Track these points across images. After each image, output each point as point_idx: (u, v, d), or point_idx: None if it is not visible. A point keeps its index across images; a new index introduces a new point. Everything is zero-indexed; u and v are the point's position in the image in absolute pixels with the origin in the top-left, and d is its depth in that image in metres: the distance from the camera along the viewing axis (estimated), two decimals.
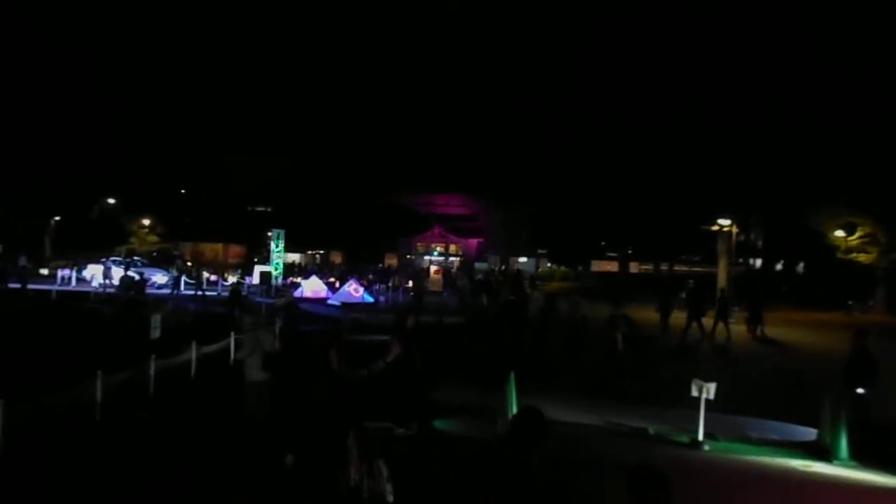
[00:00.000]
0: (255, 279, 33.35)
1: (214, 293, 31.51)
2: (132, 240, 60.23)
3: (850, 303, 36.10)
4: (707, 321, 23.81)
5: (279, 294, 30.21)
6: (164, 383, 13.24)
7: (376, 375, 9.58)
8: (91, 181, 57.98)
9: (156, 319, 18.46)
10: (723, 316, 23.95)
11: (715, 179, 42.82)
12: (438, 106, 70.34)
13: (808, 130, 36.90)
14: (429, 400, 11.18)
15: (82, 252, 44.44)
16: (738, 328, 28.40)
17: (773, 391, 15.37)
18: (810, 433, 11.06)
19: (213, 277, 34.92)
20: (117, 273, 31.76)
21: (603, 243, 68.61)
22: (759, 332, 25.57)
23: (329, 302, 29.17)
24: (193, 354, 15.14)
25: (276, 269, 33.16)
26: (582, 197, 56.68)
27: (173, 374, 14.49)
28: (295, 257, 69.60)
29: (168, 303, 23.89)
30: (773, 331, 27.78)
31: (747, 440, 10.79)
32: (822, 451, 10.20)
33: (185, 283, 32.49)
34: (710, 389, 10.16)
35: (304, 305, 28.41)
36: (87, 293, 27.86)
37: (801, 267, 69.09)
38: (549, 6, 57.00)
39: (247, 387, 10.36)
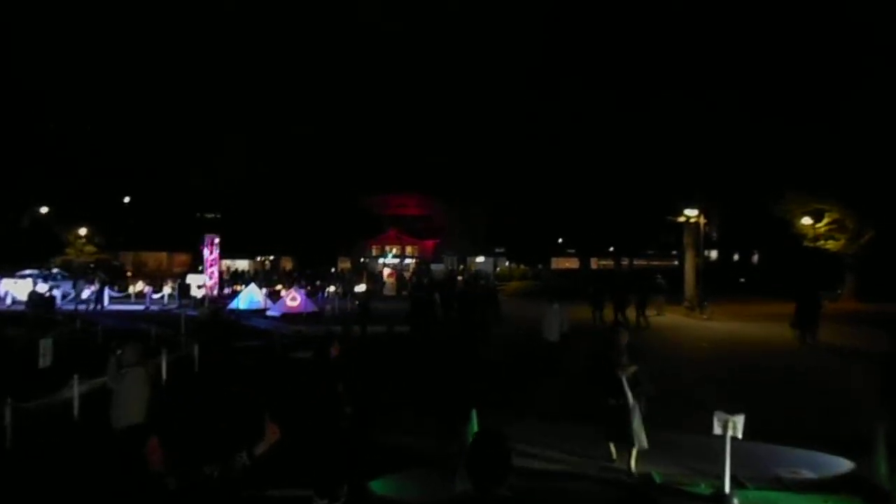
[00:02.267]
0: (192, 289, 29.96)
1: (141, 307, 28.04)
2: (68, 251, 56.02)
3: (818, 292, 34.30)
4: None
5: (208, 306, 26.86)
6: (33, 429, 10.19)
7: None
8: (22, 188, 53.55)
9: (45, 345, 15.11)
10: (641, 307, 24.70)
11: (676, 170, 40.74)
12: (392, 105, 67.40)
13: (772, 117, 34.95)
14: (365, 450, 8.29)
15: (10, 265, 40.32)
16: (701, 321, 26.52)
17: (758, 395, 13.00)
18: (842, 464, 8.62)
19: (146, 289, 31.36)
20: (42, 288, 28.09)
21: (560, 240, 66.51)
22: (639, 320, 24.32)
23: (269, 313, 25.99)
24: (76, 391, 11.99)
25: (209, 278, 29.80)
26: (539, 194, 54.38)
27: (49, 417, 11.45)
28: (243, 264, 65.91)
29: (76, 321, 20.45)
30: (740, 325, 25.70)
31: (782, 485, 8.14)
32: (875, 493, 7.69)
33: (111, 296, 28.94)
34: (738, 425, 7.47)
35: (241, 318, 25.31)
36: None
37: (755, 258, 68.19)
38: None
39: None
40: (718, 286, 34.84)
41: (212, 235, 30.75)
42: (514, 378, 14.68)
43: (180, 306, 26.81)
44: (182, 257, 63.93)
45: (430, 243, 68.47)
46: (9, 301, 28.16)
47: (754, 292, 39.49)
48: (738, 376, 15.11)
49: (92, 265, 52.70)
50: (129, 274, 52.72)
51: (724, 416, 7.50)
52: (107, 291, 28.95)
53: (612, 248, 63.55)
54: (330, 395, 7.62)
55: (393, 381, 13.85)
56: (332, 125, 70.37)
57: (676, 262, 62.32)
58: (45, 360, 15.08)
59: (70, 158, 60.93)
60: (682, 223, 31.51)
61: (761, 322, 26.25)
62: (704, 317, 27.77)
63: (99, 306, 26.67)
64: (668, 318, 27.66)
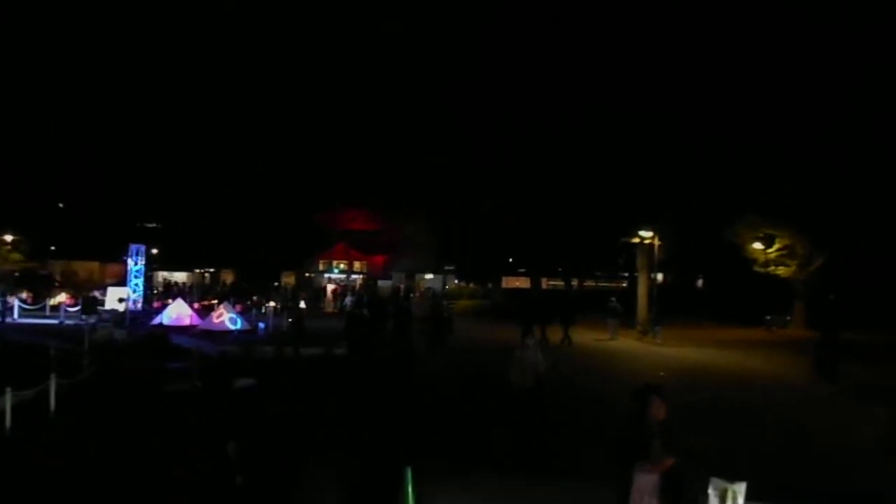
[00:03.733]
0: (110, 302, 27.30)
1: (55, 321, 25.28)
2: None
3: (767, 318, 33.67)
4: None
5: (132, 321, 24.36)
6: None
7: None
8: None
9: None
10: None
11: (628, 192, 39.90)
12: (344, 117, 65.33)
13: (724, 138, 34.27)
14: None
15: None
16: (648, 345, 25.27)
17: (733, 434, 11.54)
18: None
19: (64, 302, 28.55)
20: None
21: (511, 259, 65.22)
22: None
23: (198, 330, 23.65)
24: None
25: (133, 290, 27.23)
26: (491, 211, 53.00)
27: None
28: (181, 276, 62.75)
29: None
30: (695, 351, 24.53)
31: None
32: None
33: (23, 308, 26.13)
34: (739, 495, 5.82)
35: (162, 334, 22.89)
36: None
37: (700, 282, 68.12)
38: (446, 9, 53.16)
39: None
40: (666, 310, 33.86)
41: (138, 245, 28.23)
42: (464, 418, 12.68)
43: (82, 321, 24.18)
44: (115, 268, 60.25)
45: (379, 259, 66.47)
46: None
47: (701, 316, 38.72)
48: (710, 413, 13.59)
49: (16, 274, 49.11)
50: (56, 284, 49.21)
51: (721, 483, 5.83)
52: (16, 303, 26.15)
53: (560, 269, 62.62)
54: (216, 460, 5.67)
55: (310, 422, 11.69)
56: (281, 136, 68.01)
57: (625, 284, 61.75)
58: None
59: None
60: (634, 244, 30.36)
61: (715, 348, 25.14)
62: (658, 342, 26.54)
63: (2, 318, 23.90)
64: (620, 343, 26.35)
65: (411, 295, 46.49)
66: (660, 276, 56.55)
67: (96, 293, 30.61)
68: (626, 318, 28.98)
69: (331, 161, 66.39)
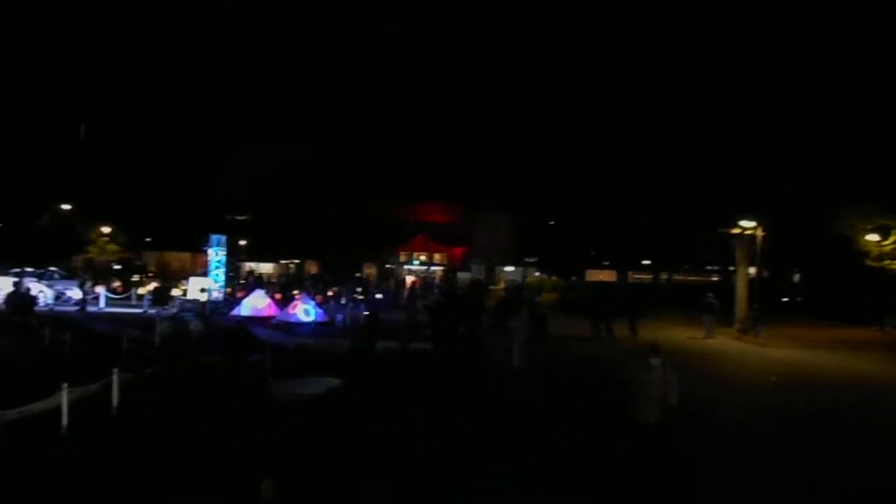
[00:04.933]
0: (192, 292, 27.09)
1: (139, 310, 25.18)
2: (90, 249, 54.04)
3: (886, 317, 30.25)
4: None
5: (212, 312, 23.93)
6: None
7: None
8: (42, 186, 51.80)
9: None
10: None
11: (723, 180, 36.95)
12: (422, 110, 64.63)
13: (834, 126, 31.09)
14: None
15: (29, 263, 38.14)
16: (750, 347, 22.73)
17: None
18: None
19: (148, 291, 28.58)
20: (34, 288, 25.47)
21: (593, 252, 62.69)
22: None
23: (275, 322, 22.98)
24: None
25: (215, 280, 26.91)
26: (574, 201, 50.80)
27: None
28: (268, 267, 63.49)
29: (46, 327, 17.58)
30: (803, 352, 21.95)
31: None
32: None
33: (109, 298, 26.23)
34: None
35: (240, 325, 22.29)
36: None
37: (797, 277, 63.41)
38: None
39: None
40: (763, 306, 31.04)
41: (218, 235, 27.92)
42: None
43: (154, 313, 23.99)
44: (205, 258, 61.56)
45: (458, 251, 65.30)
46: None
47: (800, 314, 35.53)
48: (835, 428, 11.53)
49: (113, 264, 50.57)
50: (150, 274, 50.32)
51: None
52: (102, 292, 26.27)
53: (646, 262, 59.68)
54: None
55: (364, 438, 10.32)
56: (362, 130, 68.03)
57: (715, 278, 58.17)
58: None
59: (96, 157, 59.35)
60: (732, 236, 27.76)
61: (826, 350, 22.47)
62: (760, 341, 24.04)
63: (82, 308, 23.92)
64: (718, 343, 24.00)
65: (490, 287, 45.09)
66: (751, 270, 52.96)
67: (177, 283, 30.53)
68: (721, 315, 26.51)
69: (411, 153, 65.84)
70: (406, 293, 29.67)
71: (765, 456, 9.89)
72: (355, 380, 14.89)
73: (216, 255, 27.17)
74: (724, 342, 24.25)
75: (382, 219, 70.13)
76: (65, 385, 10.51)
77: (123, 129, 60.89)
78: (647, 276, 55.53)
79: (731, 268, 34.40)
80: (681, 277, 55.65)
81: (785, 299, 47.65)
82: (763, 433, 11.22)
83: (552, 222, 63.20)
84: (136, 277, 34.34)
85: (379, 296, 30.06)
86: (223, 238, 27.80)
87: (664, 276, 51.89)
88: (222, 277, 27.38)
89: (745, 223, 26.28)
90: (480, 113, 55.86)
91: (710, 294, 25.19)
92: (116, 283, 34.65)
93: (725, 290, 31.30)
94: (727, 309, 27.56)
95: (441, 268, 60.26)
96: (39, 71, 51.40)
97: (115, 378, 11.75)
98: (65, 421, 10.47)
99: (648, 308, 28.74)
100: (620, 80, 46.87)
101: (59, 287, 25.51)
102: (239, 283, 35.29)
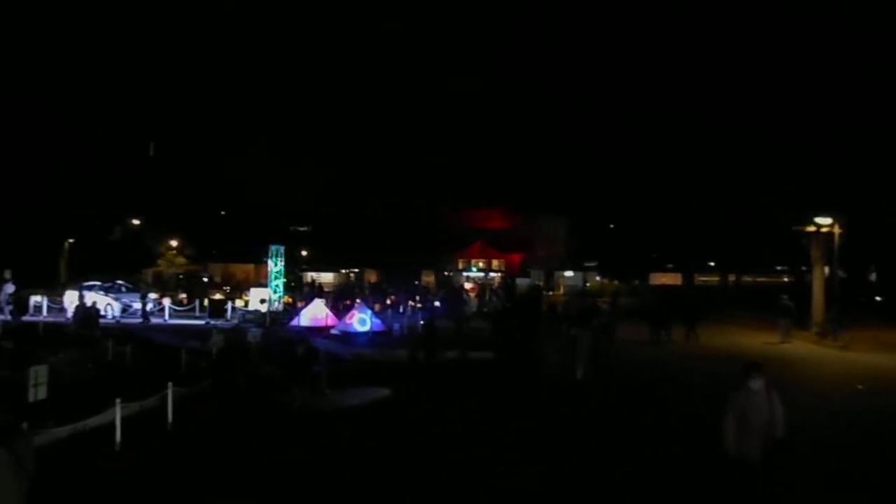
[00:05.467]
0: (253, 303, 27.17)
1: (202, 322, 25.36)
2: (159, 262, 55.54)
3: None
4: None
5: (272, 323, 23.88)
6: None
7: None
8: (114, 200, 53.53)
9: (38, 374, 12.16)
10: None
11: (795, 176, 34.98)
12: (477, 116, 64.06)
13: None
14: None
15: (100, 277, 39.31)
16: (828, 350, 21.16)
17: None
18: None
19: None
20: (98, 301, 26.02)
21: (655, 255, 60.82)
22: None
23: (334, 332, 22.74)
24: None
25: (274, 290, 26.93)
26: (634, 203, 49.23)
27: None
28: (328, 277, 63.96)
29: (108, 340, 17.71)
30: (890, 357, 20.28)
31: None
32: None
33: (173, 310, 26.57)
34: None
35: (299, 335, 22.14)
36: (36, 325, 22.01)
37: (874, 276, 59.86)
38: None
39: None
40: (844, 308, 29.09)
41: (277, 246, 27.97)
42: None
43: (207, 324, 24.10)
44: (267, 269, 62.51)
45: (516, 257, 64.46)
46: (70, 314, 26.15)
47: (880, 315, 33.26)
48: None
49: (180, 276, 51.76)
50: (214, 286, 51.25)
51: None
52: (167, 304, 26.61)
53: (712, 263, 57.51)
54: None
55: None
56: (418, 140, 68.07)
57: (786, 279, 55.53)
58: (37, 393, 12.12)
59: (165, 173, 61.00)
60: (808, 234, 26.12)
61: None
62: (840, 345, 22.47)
63: (145, 320, 24.22)
64: (795, 347, 22.54)
65: (549, 293, 44.13)
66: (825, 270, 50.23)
67: (240, 294, 30.70)
68: (796, 318, 24.90)
69: (468, 161, 65.49)
70: (452, 300, 29.15)
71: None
72: (409, 389, 14.48)
73: (275, 265, 27.15)
74: (802, 347, 22.77)
75: (441, 226, 69.99)
76: (118, 400, 10.34)
77: (190, 144, 62.43)
78: (714, 279, 53.36)
79: (805, 268, 32.52)
80: (749, 279, 53.33)
81: (862, 300, 45.00)
82: (864, 458, 10.04)
83: (612, 225, 61.72)
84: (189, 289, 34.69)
85: (437, 303, 29.50)
86: (282, 248, 27.79)
87: (732, 277, 49.68)
88: (281, 288, 27.34)
89: (820, 220, 24.67)
90: (533, 116, 54.88)
91: (784, 296, 23.73)
92: (182, 295, 35.26)
93: (799, 291, 29.57)
94: (802, 311, 25.95)
95: (499, 274, 59.51)
96: (110, 88, 53.16)
97: (169, 392, 11.56)
98: (118, 436, 10.29)
99: (709, 311, 27.42)
100: (675, 76, 45.14)
101: (125, 300, 25.96)
102: (300, 293, 35.30)
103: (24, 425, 7.59)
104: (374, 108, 66.26)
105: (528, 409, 12.51)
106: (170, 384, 11.59)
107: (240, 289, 43.23)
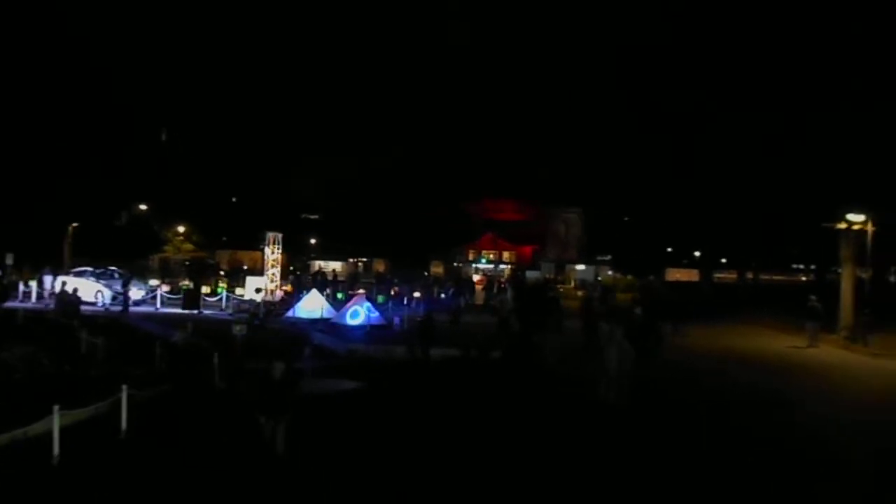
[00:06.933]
0: (248, 293, 25.67)
1: (195, 311, 23.82)
2: (166, 248, 54.29)
3: None
4: None
5: (267, 314, 22.33)
6: None
7: None
8: (121, 186, 52.46)
9: None
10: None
11: (820, 171, 33.07)
12: (490, 109, 62.51)
13: None
14: None
15: (107, 262, 37.98)
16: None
17: None
18: None
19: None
20: (87, 287, 24.70)
21: (670, 249, 58.79)
22: None
23: (330, 324, 21.19)
24: None
25: (270, 280, 25.41)
26: (649, 196, 47.33)
27: None
28: (336, 265, 62.56)
29: (83, 329, 16.23)
30: None
31: None
32: None
33: (166, 297, 25.14)
34: None
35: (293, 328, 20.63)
36: (16, 311, 20.57)
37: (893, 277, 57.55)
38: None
39: None
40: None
41: (274, 233, 26.40)
42: None
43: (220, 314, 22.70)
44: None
45: (527, 249, 62.70)
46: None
47: None
48: None
49: (186, 262, 50.45)
50: (221, 273, 49.83)
51: None
52: (160, 293, 25.16)
53: (723, 260, 55.41)
54: None
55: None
56: (431, 131, 66.70)
57: (804, 278, 53.42)
58: None
59: (173, 159, 59.90)
60: (838, 231, 24.16)
61: None
62: (872, 351, 20.62)
63: (125, 309, 22.76)
64: (824, 352, 20.69)
65: (559, 287, 42.38)
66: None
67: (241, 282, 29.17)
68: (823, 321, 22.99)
69: (480, 151, 64.05)
70: (451, 291, 27.50)
71: None
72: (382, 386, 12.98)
73: (272, 253, 25.63)
74: (830, 352, 20.91)
75: (451, 216, 68.48)
76: (55, 408, 8.77)
77: (202, 131, 61.42)
78: (731, 275, 51.24)
79: (834, 268, 30.62)
80: (766, 277, 51.21)
81: (886, 302, 42.73)
82: None
83: (626, 218, 59.82)
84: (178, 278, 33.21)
85: (444, 296, 27.86)
86: (279, 235, 26.24)
87: (749, 275, 47.69)
88: (278, 277, 25.82)
89: (852, 217, 22.74)
90: (548, 106, 53.22)
91: (812, 297, 21.83)
92: (185, 282, 33.82)
93: (822, 291, 27.64)
94: (829, 314, 24.04)
95: (509, 266, 57.81)
96: (124, 74, 52.11)
97: (124, 396, 10.01)
98: (56, 448, 8.75)
99: (725, 309, 25.42)
100: (694, 68, 43.28)
101: (117, 287, 24.53)
102: (301, 281, 33.78)
103: None
104: (389, 98, 64.78)
105: (533, 439, 9.72)
106: (124, 387, 10.03)
107: (243, 276, 41.83)
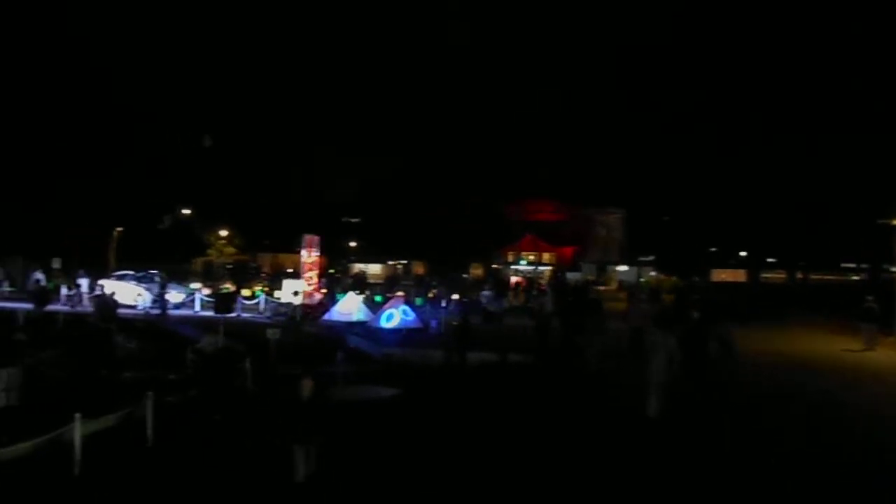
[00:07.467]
0: (286, 295, 25.51)
1: (234, 314, 23.77)
2: (209, 252, 55.06)
3: None
4: None
5: (304, 317, 22.12)
6: None
7: None
8: (167, 191, 53.40)
9: (10, 377, 10.56)
10: None
11: (871, 168, 31.52)
12: (530, 109, 61.79)
13: None
14: None
15: (151, 265, 38.54)
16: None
17: None
18: None
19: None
20: (128, 290, 24.95)
21: (713, 249, 57.10)
22: None
23: (367, 328, 20.84)
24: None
25: (308, 284, 25.21)
26: (692, 195, 45.98)
27: None
28: (376, 269, 62.56)
29: (118, 333, 16.21)
30: None
31: None
32: None
33: (204, 301, 25.16)
34: None
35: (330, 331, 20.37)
36: (57, 315, 20.78)
37: None
38: None
39: None
40: None
41: (311, 236, 26.22)
42: None
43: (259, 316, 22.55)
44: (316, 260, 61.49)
45: (567, 250, 61.66)
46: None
47: None
48: None
49: (228, 266, 50.99)
50: (263, 275, 50.21)
51: None
52: (197, 296, 25.21)
53: (771, 260, 53.53)
54: None
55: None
56: (471, 132, 66.35)
57: (855, 277, 51.23)
58: (7, 398, 10.52)
59: (216, 164, 60.76)
60: (894, 228, 22.85)
61: None
62: None
63: (162, 313, 22.80)
64: (882, 356, 19.48)
65: (599, 288, 41.36)
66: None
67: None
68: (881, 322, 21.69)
69: (520, 152, 63.43)
70: (492, 294, 26.80)
71: None
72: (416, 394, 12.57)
73: (309, 256, 25.46)
74: (889, 356, 19.68)
75: (491, 218, 67.92)
76: (77, 416, 8.52)
77: (245, 137, 62.28)
78: (780, 275, 49.34)
79: (889, 265, 29.08)
80: (817, 276, 49.22)
81: None
82: None
83: (666, 217, 58.41)
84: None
85: (483, 299, 27.27)
86: (316, 239, 26.06)
87: (799, 274, 45.76)
88: (314, 280, 25.63)
89: None
90: (587, 106, 52.28)
91: (870, 297, 20.63)
92: (227, 285, 33.97)
93: (878, 291, 26.20)
94: (885, 314, 22.69)
95: (549, 268, 56.90)
96: (169, 80, 53.07)
97: (149, 403, 9.74)
98: (78, 456, 8.50)
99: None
100: (735, 65, 41.83)
101: (157, 290, 24.66)
102: (337, 283, 33.60)
103: None
104: (428, 100, 64.61)
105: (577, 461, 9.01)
106: (149, 394, 9.78)
107: (282, 279, 41.89)
